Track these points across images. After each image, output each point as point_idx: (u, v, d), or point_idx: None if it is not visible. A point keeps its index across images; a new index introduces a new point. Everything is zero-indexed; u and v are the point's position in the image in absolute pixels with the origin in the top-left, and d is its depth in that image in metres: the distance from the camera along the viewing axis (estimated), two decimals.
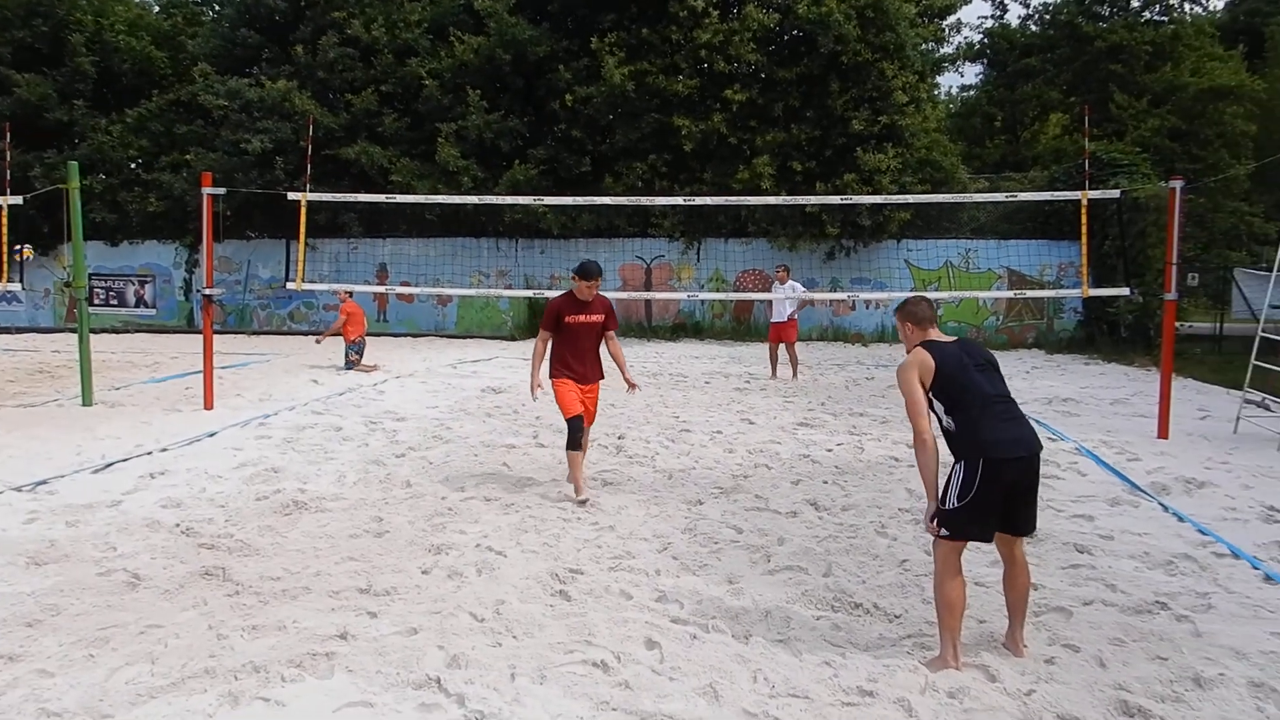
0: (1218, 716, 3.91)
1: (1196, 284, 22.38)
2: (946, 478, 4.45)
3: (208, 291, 11.68)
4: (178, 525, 6.55)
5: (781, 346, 15.36)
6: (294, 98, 22.90)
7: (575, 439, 7.45)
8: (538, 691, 4.10)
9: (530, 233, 23.62)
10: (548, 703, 4.00)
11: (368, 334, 16.57)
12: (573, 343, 7.65)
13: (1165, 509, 7.24)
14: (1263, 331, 10.85)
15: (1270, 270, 11.65)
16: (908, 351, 4.81)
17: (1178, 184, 10.38)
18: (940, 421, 4.54)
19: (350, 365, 15.92)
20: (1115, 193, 11.59)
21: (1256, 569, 5.79)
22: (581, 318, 7.65)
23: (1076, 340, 21.34)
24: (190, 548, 6.07)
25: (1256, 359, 10.60)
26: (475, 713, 3.89)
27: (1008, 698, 4.07)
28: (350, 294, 16.36)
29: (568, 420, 7.49)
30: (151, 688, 4.05)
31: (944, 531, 4.43)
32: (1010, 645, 4.60)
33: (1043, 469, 8.56)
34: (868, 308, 22.94)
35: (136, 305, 25.94)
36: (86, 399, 11.81)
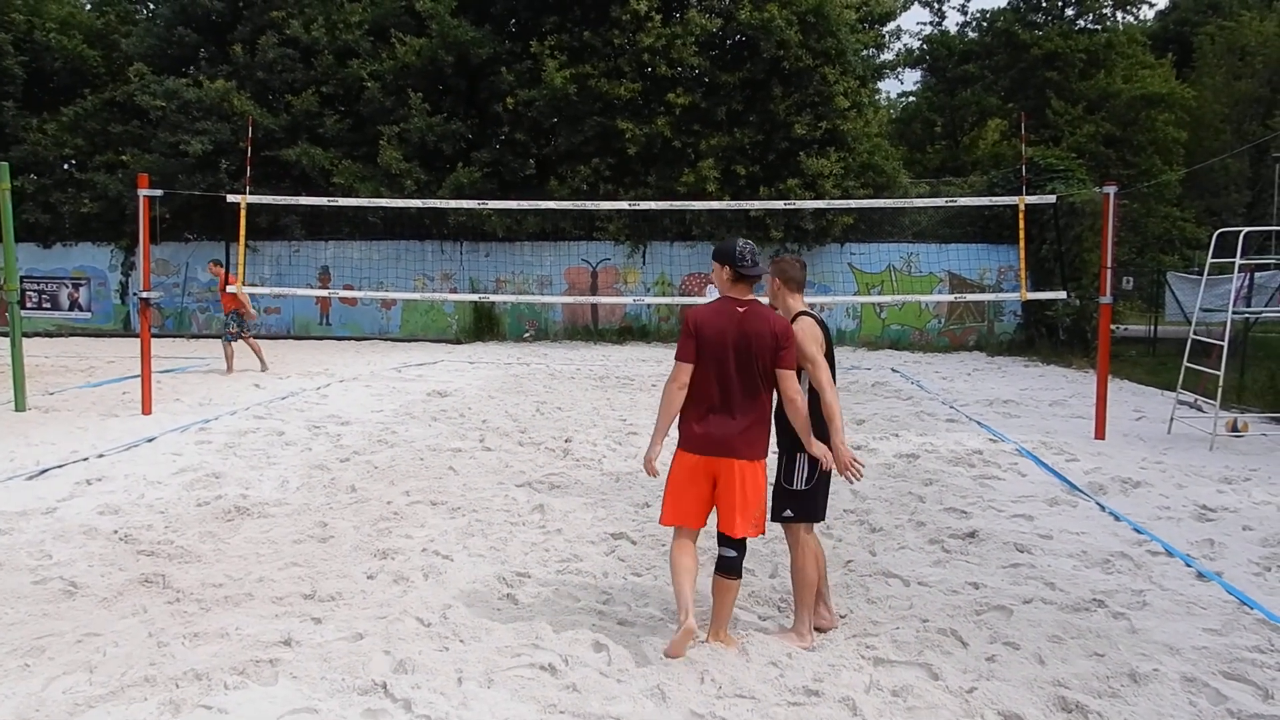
0: (1152, 711, 4.01)
1: (1131, 287, 22.92)
2: (789, 459, 4.76)
3: (144, 294, 11.46)
4: (116, 532, 6.41)
5: None
6: (233, 98, 22.54)
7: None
8: (485, 695, 4.09)
9: (475, 235, 23.49)
10: (495, 706, 3.98)
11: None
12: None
13: (1102, 508, 7.41)
14: (1195, 334, 11.15)
15: (1201, 274, 11.98)
16: (776, 307, 4.95)
17: (1112, 189, 10.64)
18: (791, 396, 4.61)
19: (232, 337, 15.54)
20: (1052, 198, 11.85)
21: (1189, 566, 5.96)
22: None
23: (1016, 343, 21.74)
24: (129, 555, 5.95)
25: (1189, 361, 10.89)
26: (422, 717, 3.86)
27: (950, 695, 4.13)
28: (220, 263, 15.40)
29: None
30: (90, 697, 3.97)
31: (789, 514, 4.75)
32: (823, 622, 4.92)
33: (984, 469, 8.78)
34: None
35: (71, 309, 25.31)
36: (19, 404, 11.51)
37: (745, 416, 4.53)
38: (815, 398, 4.67)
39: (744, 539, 4.58)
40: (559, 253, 23.65)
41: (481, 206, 14.97)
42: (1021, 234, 11.46)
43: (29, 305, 24.70)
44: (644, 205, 11.90)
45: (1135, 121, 26.42)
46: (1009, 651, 4.61)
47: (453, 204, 13.88)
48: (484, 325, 23.86)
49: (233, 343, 15.69)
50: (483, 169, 22.59)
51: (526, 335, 23.94)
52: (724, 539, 4.60)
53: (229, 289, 14.47)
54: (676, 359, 4.56)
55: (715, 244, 4.92)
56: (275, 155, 22.48)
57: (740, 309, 4.55)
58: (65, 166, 25.08)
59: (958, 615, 5.08)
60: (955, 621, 4.98)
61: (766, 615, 5.13)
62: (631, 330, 23.46)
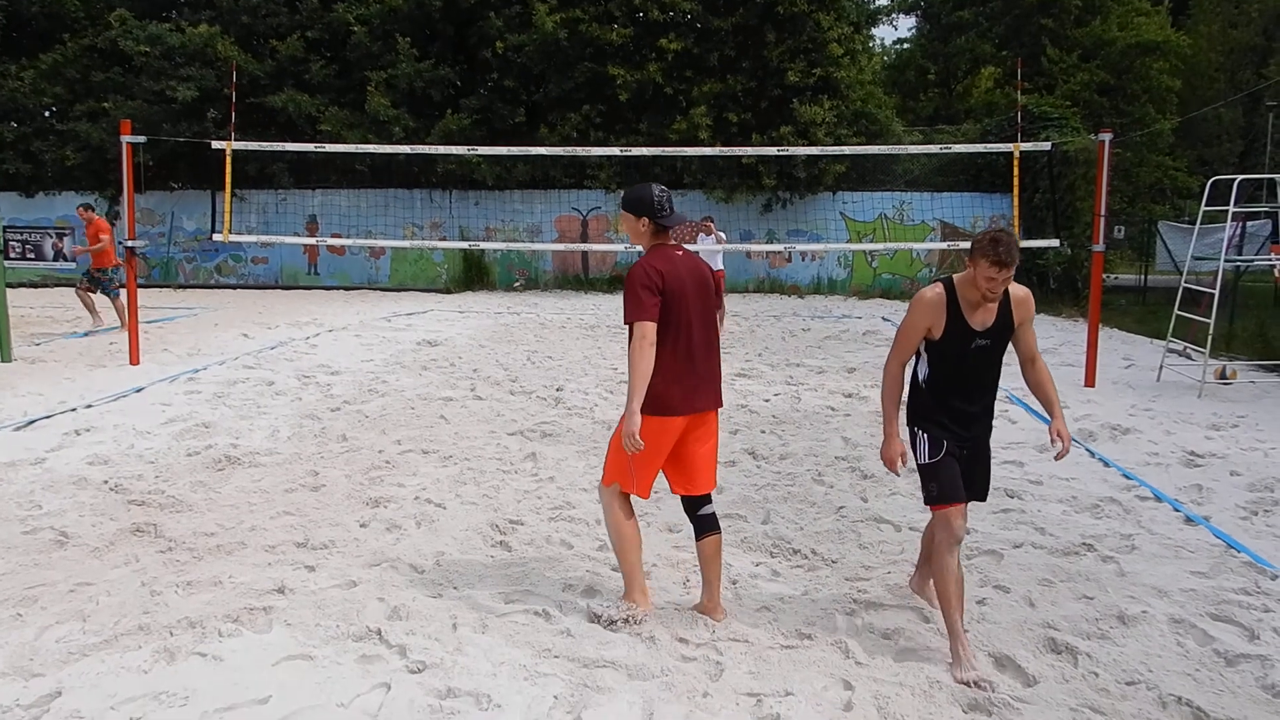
0: (1141, 652, 4.04)
1: (1123, 236, 22.90)
2: (910, 434, 4.20)
3: (130, 243, 11.33)
4: (106, 482, 6.39)
5: None
6: (217, 44, 22.18)
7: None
8: (480, 641, 4.10)
9: (464, 184, 23.28)
10: (490, 651, 4.00)
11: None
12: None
13: (1092, 454, 7.45)
14: (1185, 283, 11.15)
15: (1193, 223, 11.94)
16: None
17: (1106, 137, 10.55)
18: (918, 371, 4.22)
19: (94, 286, 14.27)
20: (1046, 145, 11.76)
21: (1177, 511, 6.00)
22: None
23: None
24: (120, 504, 5.93)
25: (1179, 309, 10.90)
26: (417, 663, 3.87)
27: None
28: (91, 207, 14.57)
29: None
30: (84, 645, 3.97)
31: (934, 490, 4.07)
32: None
33: None
34: (804, 260, 23.09)
35: (55, 259, 25.07)
36: (5, 355, 11.42)
37: (714, 364, 4.33)
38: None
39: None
40: (549, 201, 23.49)
41: (470, 153, 14.83)
42: (1015, 182, 11.39)
43: (12, 255, 24.44)
44: (635, 151, 11.75)
45: (1130, 69, 26.19)
46: (999, 595, 4.65)
47: (441, 150, 13.74)
48: (474, 274, 23.75)
49: (108, 294, 14.23)
50: (472, 116, 22.33)
51: (517, 284, 23.84)
52: (698, 500, 4.38)
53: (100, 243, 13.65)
54: (639, 320, 4.04)
55: (626, 191, 4.35)
56: (261, 102, 22.18)
57: (678, 253, 4.27)
58: (46, 115, 24.68)
59: None
60: None
61: (759, 561, 5.14)
62: (622, 279, 23.32)
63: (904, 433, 4.19)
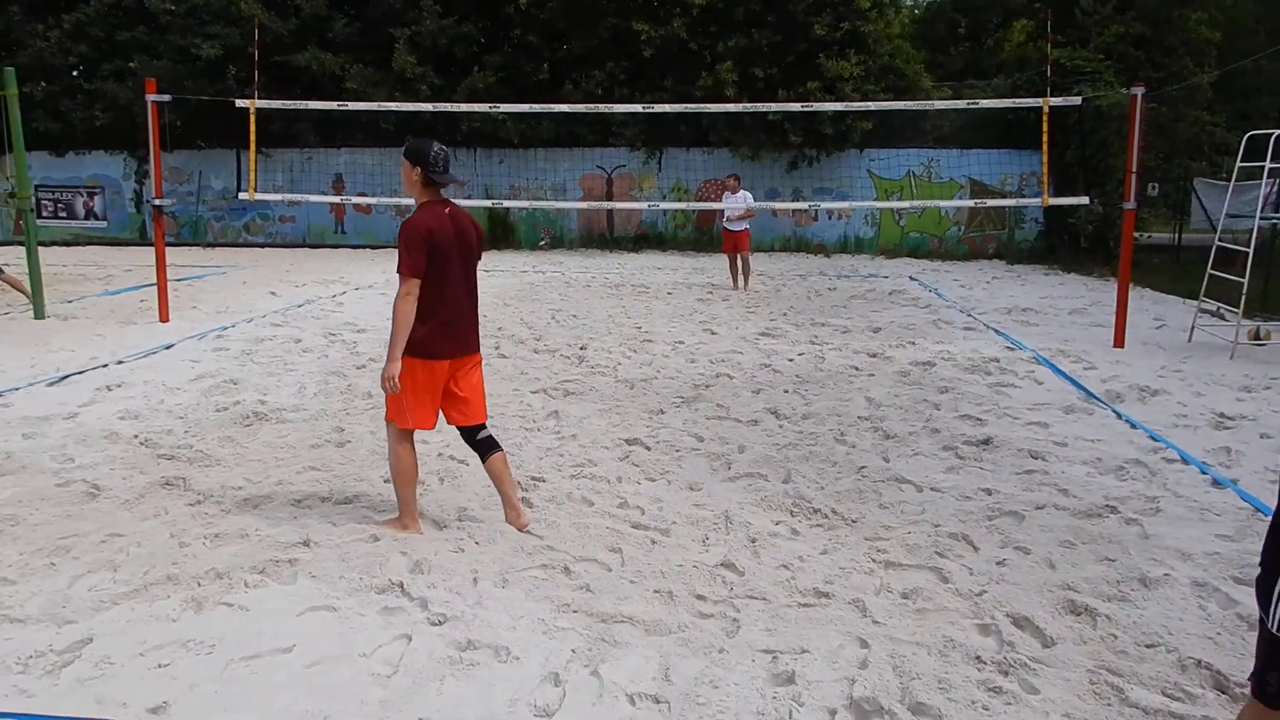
0: (1162, 614, 4.03)
1: (1157, 194, 22.49)
2: None
3: (158, 201, 11.41)
4: (136, 436, 6.49)
5: (738, 256, 15.34)
6: (240, 2, 22.10)
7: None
8: (500, 595, 4.15)
9: (489, 142, 23.18)
10: (510, 605, 4.05)
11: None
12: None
13: (1119, 416, 7.38)
14: (1220, 241, 10.96)
15: (1229, 180, 11.73)
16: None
17: (1139, 91, 10.34)
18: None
19: None
20: (1077, 100, 11.55)
21: (1205, 474, 5.94)
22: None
23: (1037, 250, 21.48)
24: (150, 458, 6.02)
25: (1213, 269, 10.73)
26: (438, 615, 3.93)
27: (959, 598, 4.17)
28: None
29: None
30: (114, 594, 4.05)
31: None
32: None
33: (1001, 377, 8.74)
34: (830, 218, 22.90)
35: (86, 217, 25.27)
36: (38, 312, 11.58)
37: (475, 313, 4.86)
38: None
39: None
40: (574, 159, 23.38)
41: (493, 110, 14.75)
42: (1045, 138, 11.21)
43: (44, 214, 24.67)
44: (658, 108, 11.68)
45: (1167, 21, 25.55)
46: (1019, 556, 4.64)
47: (464, 108, 13.69)
48: (499, 233, 23.73)
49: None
50: (496, 73, 22.19)
51: (542, 243, 23.82)
52: (474, 428, 4.92)
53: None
54: (406, 274, 4.50)
55: (408, 141, 4.74)
56: (285, 61, 22.13)
57: (447, 211, 4.68)
58: (74, 74, 24.74)
59: (969, 520, 5.10)
60: (967, 527, 5.00)
61: (779, 520, 5.15)
62: (647, 238, 23.28)
63: None
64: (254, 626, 3.82)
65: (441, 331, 4.62)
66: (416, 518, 4.87)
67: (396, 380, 4.54)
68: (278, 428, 6.86)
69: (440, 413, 4.87)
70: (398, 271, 4.55)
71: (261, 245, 24.05)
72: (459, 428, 4.96)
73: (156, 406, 7.40)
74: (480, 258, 4.89)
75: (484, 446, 4.91)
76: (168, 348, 9.81)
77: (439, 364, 4.67)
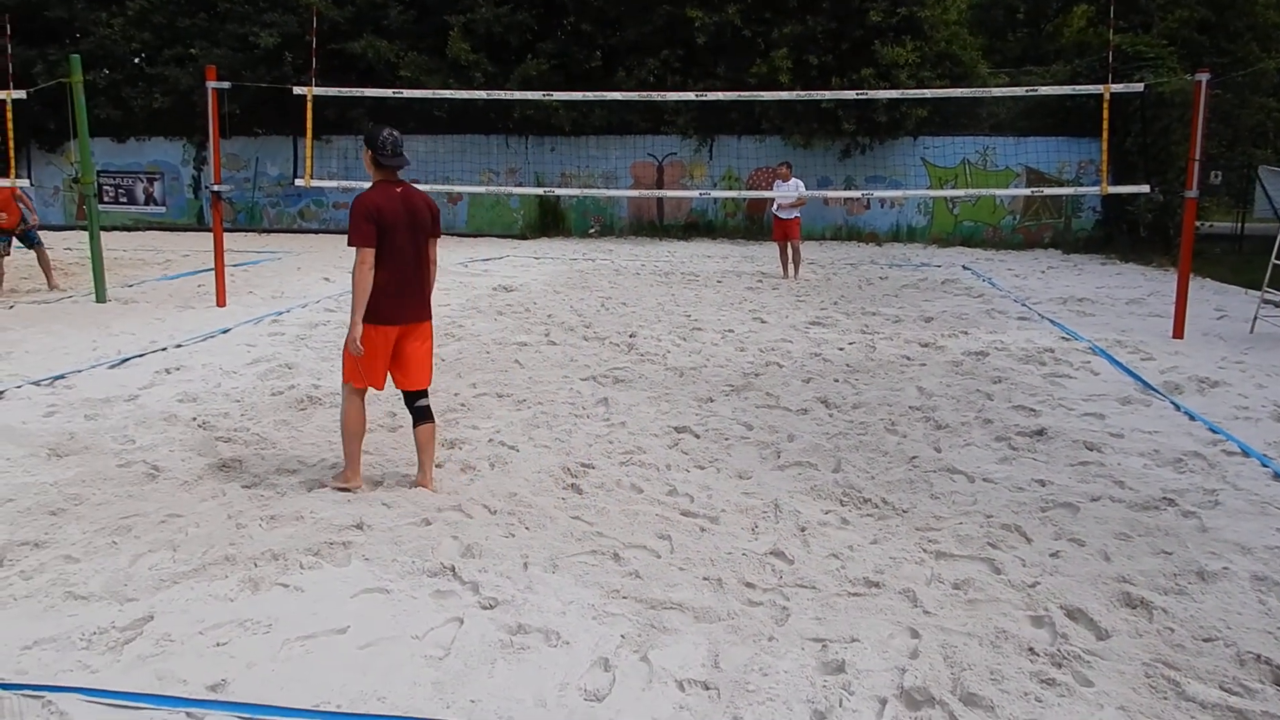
0: (1219, 608, 3.96)
1: (1219, 182, 21.98)
2: None
3: (216, 187, 11.59)
4: (194, 419, 6.62)
5: (788, 244, 15.25)
6: None
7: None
8: (550, 580, 4.18)
9: (541, 129, 23.26)
10: (560, 590, 4.08)
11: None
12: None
13: (1177, 408, 7.24)
14: None
15: None
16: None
17: (1204, 77, 10.09)
18: None
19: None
20: (1139, 86, 11.31)
21: (1266, 466, 5.81)
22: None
23: (1094, 240, 21.09)
24: (207, 441, 6.14)
25: (1277, 258, 10.47)
26: (489, 599, 3.97)
27: (1012, 589, 4.13)
28: None
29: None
30: (174, 573, 4.14)
31: None
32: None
33: (1055, 368, 8.61)
34: (883, 206, 22.67)
35: (146, 203, 25.78)
36: (100, 295, 11.85)
37: (423, 283, 5.23)
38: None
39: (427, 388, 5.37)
40: (625, 147, 23.37)
41: (546, 98, 14.79)
42: (1105, 124, 11.00)
43: (105, 200, 25.21)
44: (711, 95, 11.63)
45: (1232, 5, 24.90)
46: (1074, 548, 4.57)
47: (517, 95, 13.75)
48: (549, 220, 23.81)
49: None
50: (549, 61, 22.24)
51: (592, 230, 23.85)
52: (415, 394, 5.31)
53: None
54: (359, 245, 4.89)
55: (368, 128, 5.54)
56: (341, 49, 22.36)
57: (398, 189, 5.10)
58: (135, 61, 25.22)
59: (1022, 512, 5.04)
60: (1020, 518, 4.94)
61: (829, 509, 5.13)
62: (697, 226, 23.23)
63: None
64: (309, 607, 3.89)
65: (390, 300, 5.03)
66: (359, 472, 5.29)
67: (359, 343, 4.96)
68: (331, 412, 6.95)
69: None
70: (349, 244, 4.94)
71: (315, 231, 24.36)
72: (402, 392, 5.37)
73: (214, 390, 7.54)
74: (437, 235, 5.29)
75: (419, 414, 5.30)
76: (224, 332, 9.98)
77: (389, 329, 5.07)
